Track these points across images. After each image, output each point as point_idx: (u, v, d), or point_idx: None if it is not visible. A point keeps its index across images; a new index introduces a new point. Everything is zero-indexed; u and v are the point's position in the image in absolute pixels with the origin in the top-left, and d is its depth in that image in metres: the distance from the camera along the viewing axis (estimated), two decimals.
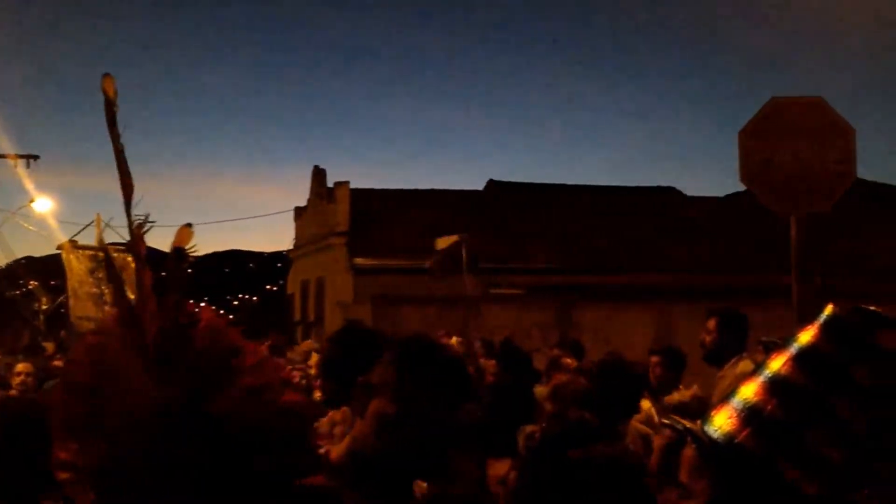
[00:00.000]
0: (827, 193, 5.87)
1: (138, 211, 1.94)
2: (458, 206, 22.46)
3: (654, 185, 26.70)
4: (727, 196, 24.08)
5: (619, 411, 4.85)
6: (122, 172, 1.96)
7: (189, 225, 2.14)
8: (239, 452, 1.82)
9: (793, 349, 1.48)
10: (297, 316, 25.05)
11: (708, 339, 5.58)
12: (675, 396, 4.68)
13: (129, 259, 2.03)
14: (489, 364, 9.32)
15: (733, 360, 5.44)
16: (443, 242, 9.98)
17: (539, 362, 14.90)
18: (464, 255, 9.73)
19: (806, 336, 1.49)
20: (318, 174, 23.36)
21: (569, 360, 9.28)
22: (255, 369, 1.93)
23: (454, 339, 11.04)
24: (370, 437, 2.26)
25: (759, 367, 1.53)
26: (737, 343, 5.53)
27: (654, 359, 6.70)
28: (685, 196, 26.28)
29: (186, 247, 2.09)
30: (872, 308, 1.50)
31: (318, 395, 7.43)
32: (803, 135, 5.82)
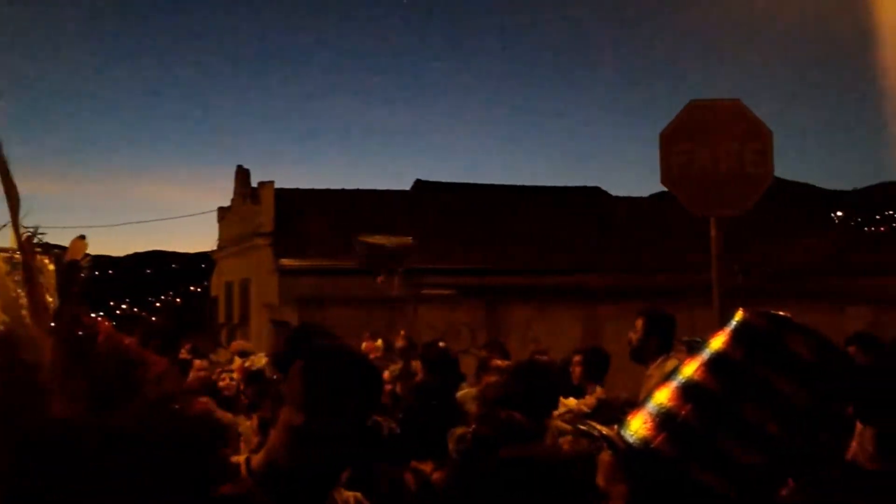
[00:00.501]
0: (745, 195, 5.96)
1: (44, 216, 1.86)
2: (385, 206, 22.34)
3: (581, 185, 27.00)
4: (652, 196, 24.51)
5: (539, 411, 4.84)
6: (7, 184, 1.90)
7: (82, 237, 2.11)
8: (145, 465, 1.79)
9: (705, 354, 1.50)
10: (222, 318, 24.60)
11: (635, 337, 5.64)
12: (581, 406, 4.66)
13: (48, 261, 2.01)
14: (418, 365, 9.27)
15: (660, 360, 5.49)
16: (384, 240, 9.80)
17: (467, 363, 14.90)
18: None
19: (717, 341, 1.50)
20: (242, 174, 22.99)
21: (499, 362, 9.28)
22: (157, 381, 1.90)
23: (378, 342, 10.95)
24: (280, 447, 2.18)
25: (673, 373, 1.54)
26: (663, 342, 5.57)
27: (576, 358, 6.75)
28: (611, 196, 26.63)
29: (80, 258, 2.05)
30: (782, 313, 1.52)
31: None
32: (722, 137, 5.89)
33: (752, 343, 1.46)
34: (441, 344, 10.20)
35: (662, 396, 1.49)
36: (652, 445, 1.44)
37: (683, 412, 1.44)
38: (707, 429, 1.42)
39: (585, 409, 4.54)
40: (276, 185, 21.28)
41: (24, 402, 1.79)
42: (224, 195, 24.48)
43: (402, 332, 10.38)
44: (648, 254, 20.19)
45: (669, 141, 5.95)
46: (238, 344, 10.59)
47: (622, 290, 17.38)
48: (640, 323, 5.59)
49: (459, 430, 4.00)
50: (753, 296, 17.37)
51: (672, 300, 16.15)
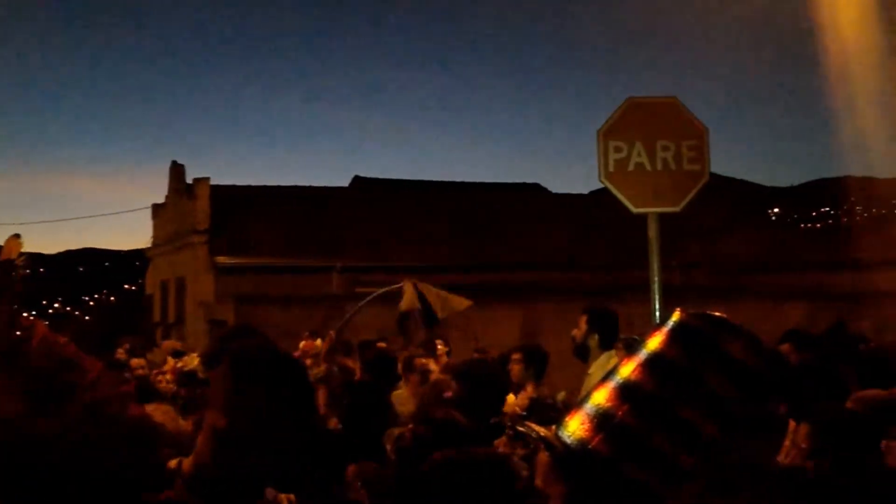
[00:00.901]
0: (682, 192, 5.97)
1: None
2: (323, 202, 22.14)
3: (520, 181, 27.12)
4: (591, 192, 24.69)
5: (484, 411, 4.79)
6: None
7: (17, 236, 2.09)
8: (77, 469, 1.77)
9: (642, 355, 1.50)
10: (157, 317, 24.11)
11: (578, 335, 5.61)
12: (513, 407, 4.61)
13: None
14: (356, 365, 9.15)
15: (602, 357, 5.47)
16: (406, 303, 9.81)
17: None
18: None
19: (654, 342, 1.51)
20: (177, 170, 22.58)
21: (423, 361, 9.19)
22: (94, 385, 1.88)
23: (318, 341, 10.78)
24: (206, 452, 2.13)
25: (611, 372, 1.54)
26: (606, 339, 5.56)
27: (515, 356, 6.67)
28: (550, 192, 26.80)
29: (15, 257, 2.03)
30: (718, 314, 1.52)
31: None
32: (658, 134, 5.89)
33: (688, 344, 1.46)
34: (381, 344, 10.07)
35: (600, 397, 1.50)
36: (589, 446, 1.45)
37: (620, 413, 1.45)
38: (644, 429, 1.43)
39: (518, 409, 4.49)
40: (212, 182, 20.93)
41: None
42: (158, 192, 24.02)
43: (331, 333, 10.25)
44: (587, 250, 20.34)
45: (606, 138, 5.94)
46: (170, 344, 10.34)
47: (561, 286, 17.47)
48: (582, 320, 5.55)
49: (397, 431, 3.95)
50: (691, 292, 17.55)
51: (610, 297, 16.34)
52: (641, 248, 6.18)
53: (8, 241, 2.00)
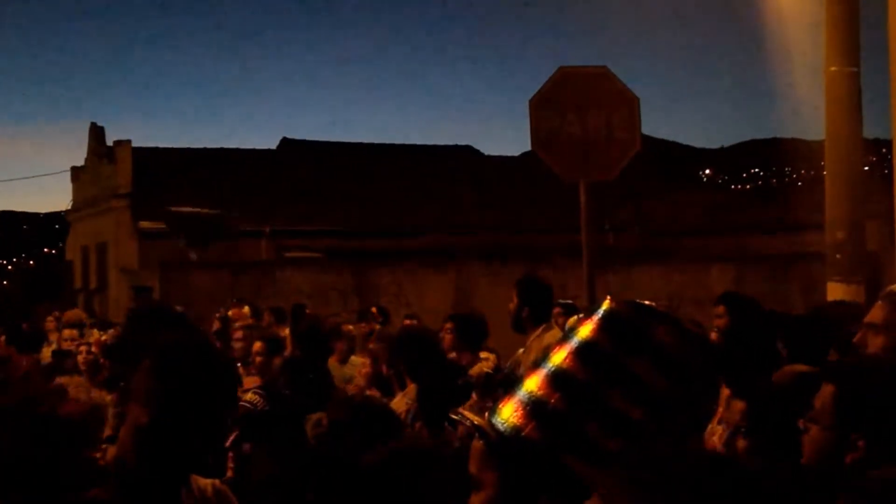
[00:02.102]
0: (612, 161, 5.93)
1: None
2: (250, 165, 21.69)
3: (453, 143, 26.98)
4: (522, 154, 24.67)
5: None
6: None
7: None
8: (9, 467, 1.77)
9: (573, 342, 1.53)
10: (79, 283, 23.45)
11: (512, 307, 5.47)
12: (482, 367, 4.54)
13: None
14: (285, 332, 8.94)
15: (539, 331, 5.36)
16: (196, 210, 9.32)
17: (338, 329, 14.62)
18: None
19: (585, 330, 1.53)
20: (96, 132, 21.90)
21: (350, 327, 9.01)
22: (22, 381, 1.85)
23: (245, 309, 10.52)
24: (128, 446, 2.13)
25: (542, 360, 1.56)
26: (539, 312, 5.46)
27: (448, 325, 6.48)
28: (483, 155, 26.71)
29: None
30: (647, 303, 1.56)
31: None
32: (590, 104, 5.82)
33: (616, 332, 1.51)
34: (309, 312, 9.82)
35: (532, 384, 1.52)
36: (523, 434, 1.48)
37: (552, 400, 1.48)
38: (575, 417, 1.46)
39: (486, 369, 4.42)
40: (134, 144, 20.34)
41: None
42: (77, 154, 23.28)
43: (247, 308, 10.03)
44: (521, 214, 20.36)
45: (538, 107, 5.85)
46: (73, 314, 9.96)
47: (494, 250, 17.44)
48: (514, 293, 5.44)
49: (315, 416, 3.84)
50: (623, 256, 17.68)
51: (544, 260, 16.41)
52: (574, 211, 6.11)
53: None
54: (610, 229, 18.60)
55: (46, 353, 8.79)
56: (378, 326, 10.29)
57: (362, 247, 18.16)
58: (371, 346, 7.72)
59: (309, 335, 6.57)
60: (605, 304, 1.56)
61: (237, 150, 23.53)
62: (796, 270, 16.68)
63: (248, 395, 3.69)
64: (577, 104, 5.76)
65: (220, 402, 2.19)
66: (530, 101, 5.82)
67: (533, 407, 1.49)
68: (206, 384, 2.13)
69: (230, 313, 10.04)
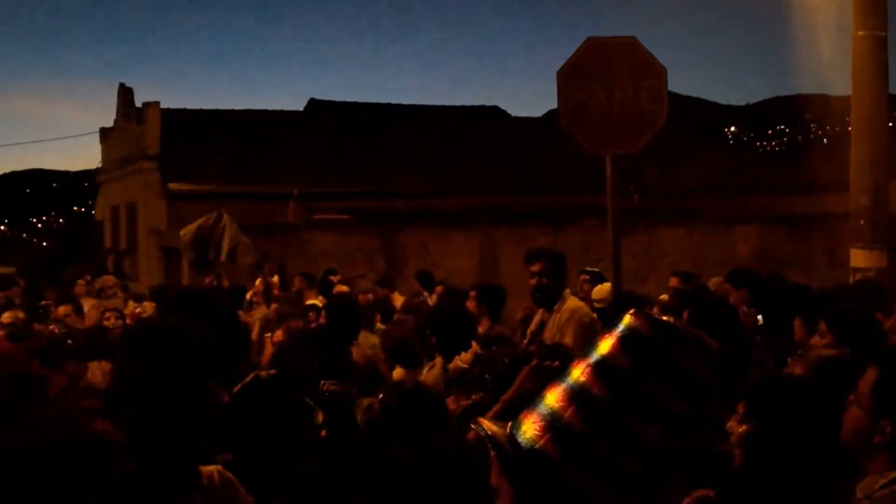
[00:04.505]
0: (639, 133, 5.96)
1: None
2: (277, 127, 21.74)
3: (479, 104, 26.86)
4: (547, 114, 24.55)
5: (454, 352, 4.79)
6: None
7: None
8: (33, 484, 1.77)
9: (592, 357, 1.53)
10: (108, 244, 23.74)
11: (541, 281, 5.54)
12: (457, 362, 4.58)
13: None
14: (314, 299, 9.03)
15: (560, 301, 5.48)
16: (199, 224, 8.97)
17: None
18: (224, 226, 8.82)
19: (605, 345, 1.53)
20: (125, 93, 21.94)
21: (368, 297, 8.96)
22: (55, 399, 1.92)
23: (275, 278, 10.64)
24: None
25: (562, 374, 1.56)
26: (561, 282, 5.58)
27: (472, 293, 6.71)
28: (509, 116, 26.58)
29: None
30: (667, 319, 1.56)
31: None
32: (618, 75, 5.84)
33: (637, 352, 1.49)
34: (342, 287, 9.85)
35: (552, 398, 1.53)
36: (536, 446, 1.49)
37: (567, 414, 1.48)
38: (589, 433, 1.47)
39: (462, 364, 4.48)
40: (163, 105, 20.39)
41: None
42: (107, 114, 23.45)
43: (276, 278, 9.97)
44: (547, 175, 20.31)
45: (566, 79, 5.88)
46: (107, 279, 10.15)
47: (520, 212, 17.46)
48: (537, 267, 5.51)
49: (367, 401, 3.83)
50: (648, 217, 17.61)
51: (569, 221, 16.42)
52: (600, 172, 6.14)
53: None
54: (635, 191, 18.51)
55: (90, 314, 8.95)
56: (426, 294, 10.34)
57: (389, 208, 18.21)
58: (399, 316, 7.85)
59: (339, 312, 6.60)
60: (626, 321, 1.55)
61: (264, 111, 23.53)
62: (820, 231, 16.59)
63: (328, 385, 3.77)
64: (605, 75, 5.77)
65: (186, 385, 2.13)
66: (558, 72, 5.84)
67: (549, 419, 1.50)
68: (169, 365, 2.09)
69: (257, 282, 10.11)
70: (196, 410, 2.12)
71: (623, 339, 1.51)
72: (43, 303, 8.73)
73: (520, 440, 1.51)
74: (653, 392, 1.46)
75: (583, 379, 1.50)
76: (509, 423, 1.58)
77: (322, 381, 3.88)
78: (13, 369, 1.83)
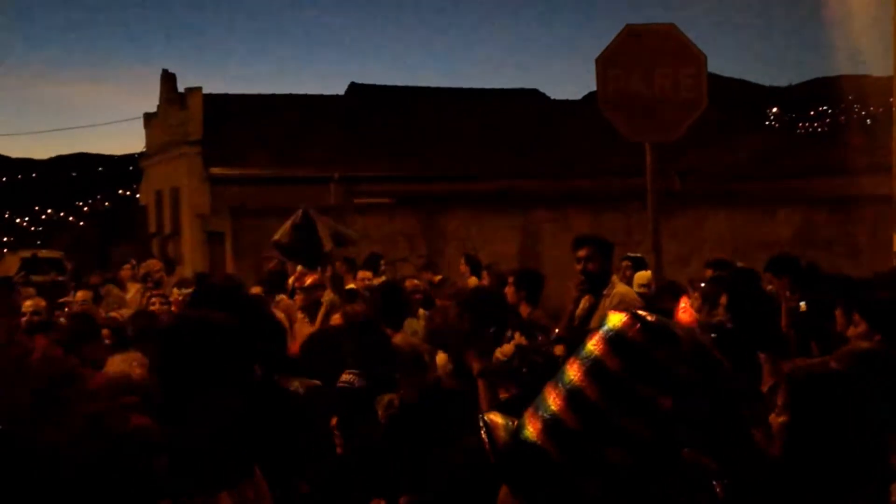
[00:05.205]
0: (678, 120, 5.94)
1: None
2: (318, 111, 21.88)
3: (519, 87, 26.75)
4: (587, 97, 24.39)
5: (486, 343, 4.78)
6: None
7: (14, 252, 2.07)
8: (70, 480, 1.79)
9: (583, 357, 1.57)
10: (153, 228, 24.12)
11: (587, 267, 5.53)
12: (497, 354, 4.57)
13: None
14: (352, 283, 9.09)
15: (608, 287, 5.48)
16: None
17: (407, 272, 14.84)
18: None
19: (592, 345, 1.56)
20: (168, 79, 22.20)
21: (416, 283, 8.90)
22: (95, 396, 1.91)
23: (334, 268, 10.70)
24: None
25: (559, 376, 1.60)
26: (608, 268, 5.59)
27: (510, 278, 6.72)
28: (549, 99, 26.45)
29: (13, 274, 2.03)
30: (652, 319, 1.56)
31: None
32: (657, 62, 5.82)
33: (626, 355, 1.53)
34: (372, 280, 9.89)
35: (550, 398, 1.57)
36: (537, 444, 1.53)
37: (563, 414, 1.53)
38: (590, 436, 1.51)
39: (501, 356, 4.46)
40: (205, 91, 20.64)
41: None
42: (150, 99, 23.79)
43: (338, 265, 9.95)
44: (587, 157, 20.23)
45: (605, 65, 5.87)
46: (152, 264, 10.28)
47: (560, 195, 17.43)
48: (584, 252, 5.51)
49: (388, 396, 3.86)
50: (688, 200, 17.41)
51: (609, 205, 16.35)
52: (640, 154, 6.11)
53: (6, 258, 2.00)
54: (676, 174, 18.38)
55: (134, 299, 9.13)
56: (437, 278, 10.35)
57: (430, 191, 18.28)
58: (440, 301, 7.88)
59: (390, 298, 6.59)
60: (612, 322, 1.58)
61: (305, 95, 23.69)
62: (863, 213, 16.32)
63: (345, 375, 3.81)
64: (644, 62, 5.76)
65: (224, 380, 2.14)
66: (597, 59, 5.83)
67: (547, 420, 1.54)
68: (205, 362, 2.10)
69: (299, 267, 10.20)
70: (233, 401, 2.14)
71: (611, 342, 1.55)
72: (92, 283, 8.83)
73: (522, 437, 1.56)
74: (639, 391, 1.51)
75: (576, 380, 1.55)
76: (515, 420, 1.64)
77: (345, 371, 3.90)
78: (56, 371, 1.89)
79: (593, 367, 1.54)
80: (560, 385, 1.57)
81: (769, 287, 5.69)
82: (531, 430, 1.55)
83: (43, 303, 6.84)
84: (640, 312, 1.58)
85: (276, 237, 8.53)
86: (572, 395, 1.54)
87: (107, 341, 5.40)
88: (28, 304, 6.65)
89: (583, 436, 1.51)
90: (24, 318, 6.41)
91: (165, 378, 2.10)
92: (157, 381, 2.14)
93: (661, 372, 1.52)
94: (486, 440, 1.59)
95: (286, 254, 8.56)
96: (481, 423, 1.64)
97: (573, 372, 1.56)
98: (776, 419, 2.80)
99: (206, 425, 2.07)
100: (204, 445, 2.07)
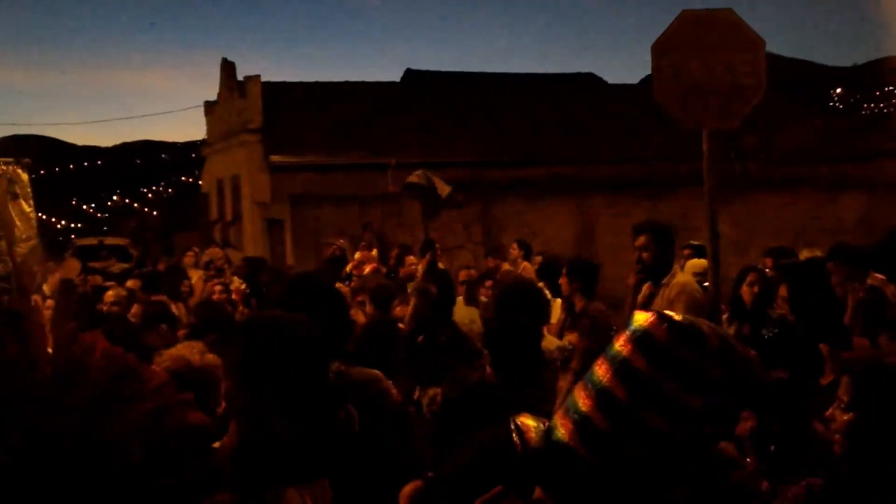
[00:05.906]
0: (736, 107, 5.83)
1: (19, 111, 1.77)
2: (375, 97, 22.00)
3: (575, 71, 26.57)
4: (643, 81, 24.08)
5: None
6: None
7: (74, 255, 2.16)
8: (135, 477, 1.83)
9: (610, 357, 1.59)
10: (214, 215, 24.55)
11: (642, 255, 5.48)
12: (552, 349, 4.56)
13: (20, 171, 2.02)
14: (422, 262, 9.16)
15: (669, 276, 5.43)
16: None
17: (464, 257, 14.84)
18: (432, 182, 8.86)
19: (619, 345, 1.58)
20: (228, 67, 22.52)
21: (473, 272, 8.93)
22: (154, 393, 1.93)
23: (374, 251, 10.83)
24: (233, 436, 2.20)
25: (588, 376, 1.62)
26: (668, 255, 5.54)
27: (564, 270, 6.61)
28: (606, 83, 26.20)
29: (75, 276, 2.11)
30: (679, 318, 1.58)
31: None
32: (714, 48, 5.73)
33: (652, 355, 1.55)
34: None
35: (579, 399, 1.59)
36: (569, 445, 1.56)
37: (593, 415, 1.55)
38: (618, 435, 1.53)
39: (557, 354, 4.43)
40: (263, 79, 20.86)
41: (18, 417, 1.82)
42: (210, 86, 24.17)
43: (375, 251, 10.00)
44: (643, 142, 20.02)
45: (661, 52, 5.78)
46: (213, 252, 10.48)
47: (617, 180, 17.30)
48: (643, 240, 5.46)
49: (431, 391, 3.88)
50: (749, 185, 17.08)
51: (666, 190, 16.17)
52: (698, 139, 6.03)
53: (67, 261, 2.08)
54: (735, 157, 18.07)
55: (197, 286, 9.33)
56: (506, 265, 10.34)
57: (486, 178, 18.29)
58: (485, 296, 7.88)
59: (442, 287, 6.58)
60: (638, 321, 1.60)
61: (362, 82, 23.84)
62: None
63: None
64: (701, 49, 5.67)
65: (306, 380, 2.16)
66: (653, 45, 5.75)
67: (577, 421, 1.57)
68: (287, 360, 2.13)
69: (358, 255, 10.33)
70: (311, 399, 2.17)
71: (637, 341, 1.57)
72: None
73: (553, 438, 1.59)
74: (666, 390, 1.52)
75: (605, 380, 1.57)
76: (546, 421, 1.68)
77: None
78: (114, 368, 1.93)
79: (621, 368, 1.56)
80: (589, 385, 1.59)
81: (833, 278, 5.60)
82: (563, 431, 1.58)
83: (123, 293, 7.01)
84: (666, 312, 1.59)
85: (411, 177, 8.76)
86: (601, 396, 1.56)
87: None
88: (109, 295, 6.82)
89: (612, 436, 1.53)
90: (103, 307, 6.62)
91: (244, 376, 2.15)
92: (236, 378, 2.19)
93: (689, 371, 1.53)
94: (518, 442, 1.63)
95: (415, 189, 8.70)
96: (512, 426, 1.67)
97: (601, 372, 1.58)
98: (840, 415, 2.77)
99: (283, 423, 2.10)
100: (278, 442, 2.11)
